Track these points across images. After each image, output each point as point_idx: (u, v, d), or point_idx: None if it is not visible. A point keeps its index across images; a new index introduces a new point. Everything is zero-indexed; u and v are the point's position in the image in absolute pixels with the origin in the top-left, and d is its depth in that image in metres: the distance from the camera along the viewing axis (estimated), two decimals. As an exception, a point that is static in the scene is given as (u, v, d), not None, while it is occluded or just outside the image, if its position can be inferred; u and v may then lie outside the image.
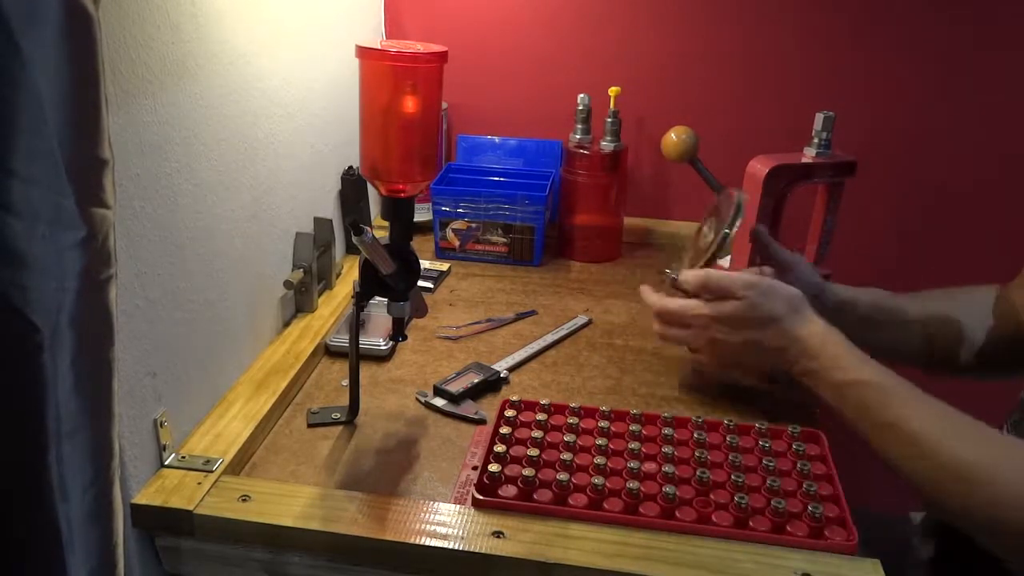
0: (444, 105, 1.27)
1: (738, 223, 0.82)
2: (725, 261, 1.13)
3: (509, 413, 0.78)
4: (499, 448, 0.73)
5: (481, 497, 0.67)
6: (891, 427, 0.66)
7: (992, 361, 0.85)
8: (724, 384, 0.87)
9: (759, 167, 0.98)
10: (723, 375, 0.86)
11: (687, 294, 0.81)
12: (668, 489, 0.68)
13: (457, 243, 1.17)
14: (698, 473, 0.70)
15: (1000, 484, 0.60)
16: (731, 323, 0.76)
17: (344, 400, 0.82)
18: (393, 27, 1.27)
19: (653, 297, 0.83)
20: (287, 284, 0.92)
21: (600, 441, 0.74)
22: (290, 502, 0.67)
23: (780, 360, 0.75)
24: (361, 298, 0.74)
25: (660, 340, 0.83)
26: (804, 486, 0.69)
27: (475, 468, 0.72)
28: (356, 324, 0.77)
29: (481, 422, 0.81)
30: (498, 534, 0.64)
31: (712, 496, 0.67)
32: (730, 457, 0.73)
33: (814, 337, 0.73)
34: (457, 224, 1.16)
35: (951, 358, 0.86)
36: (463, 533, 0.64)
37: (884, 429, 0.67)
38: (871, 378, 0.69)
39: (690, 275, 0.79)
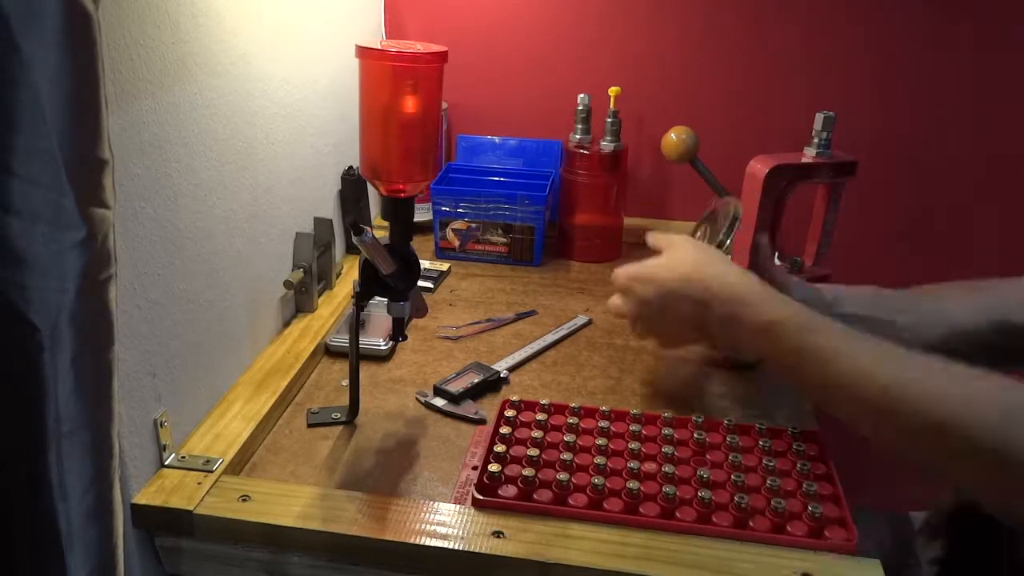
0: (444, 105, 1.27)
1: (733, 235, 0.82)
2: None
3: (509, 413, 0.78)
4: (499, 448, 0.73)
5: (481, 497, 0.67)
6: (806, 354, 0.64)
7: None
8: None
9: (759, 167, 0.98)
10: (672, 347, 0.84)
11: None
12: (668, 489, 0.68)
13: (457, 243, 1.17)
14: (699, 473, 0.70)
15: (929, 395, 0.58)
16: (648, 279, 0.76)
17: (344, 400, 0.82)
18: (393, 27, 1.27)
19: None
20: (287, 284, 0.92)
21: (600, 441, 0.74)
22: (290, 502, 0.67)
23: (701, 315, 0.73)
24: (361, 298, 0.74)
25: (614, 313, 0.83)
26: (804, 486, 0.69)
27: (475, 468, 0.72)
28: (356, 324, 0.77)
29: (481, 422, 0.81)
30: (498, 534, 0.64)
31: (713, 496, 0.67)
32: (730, 457, 0.73)
33: (729, 282, 0.71)
34: (457, 224, 1.16)
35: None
36: (463, 533, 0.64)
37: (800, 356, 0.64)
38: (791, 314, 0.66)
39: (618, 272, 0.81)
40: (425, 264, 1.12)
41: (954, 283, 0.86)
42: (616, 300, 0.82)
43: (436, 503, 0.68)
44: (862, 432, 0.64)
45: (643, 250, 1.23)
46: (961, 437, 0.56)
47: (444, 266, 1.15)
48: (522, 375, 0.90)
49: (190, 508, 0.66)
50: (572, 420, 0.77)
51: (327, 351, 0.93)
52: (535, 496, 0.68)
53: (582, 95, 1.16)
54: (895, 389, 0.59)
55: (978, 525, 0.75)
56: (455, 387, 0.84)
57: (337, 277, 1.07)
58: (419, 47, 0.67)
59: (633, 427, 0.76)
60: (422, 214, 1.17)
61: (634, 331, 0.82)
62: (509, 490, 0.68)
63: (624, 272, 0.79)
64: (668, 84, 1.24)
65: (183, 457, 0.72)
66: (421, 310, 0.84)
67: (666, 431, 0.76)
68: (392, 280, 0.73)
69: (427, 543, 0.64)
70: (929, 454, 0.60)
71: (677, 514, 0.66)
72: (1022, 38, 1.16)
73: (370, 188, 1.12)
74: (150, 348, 0.68)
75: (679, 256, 0.76)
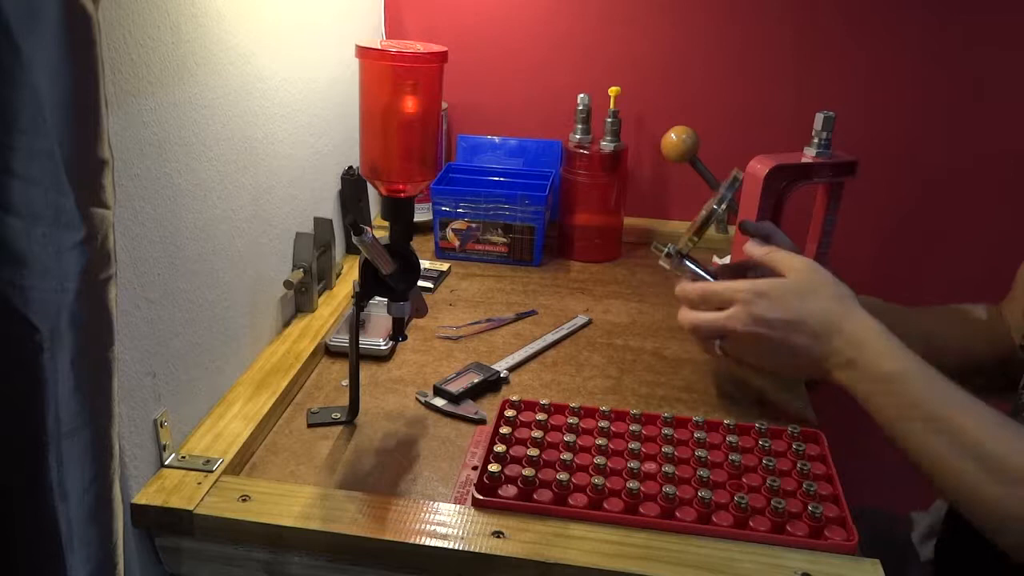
0: (444, 105, 1.27)
1: (728, 197, 0.80)
2: (726, 259, 1.13)
3: (509, 413, 0.78)
4: (499, 448, 0.73)
5: (481, 497, 0.67)
6: (936, 420, 0.63)
7: (992, 380, 0.83)
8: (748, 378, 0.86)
9: (759, 167, 0.98)
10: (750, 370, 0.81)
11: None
12: (668, 489, 0.68)
13: (457, 243, 1.17)
14: (699, 473, 0.70)
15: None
16: (777, 300, 0.71)
17: (344, 400, 0.82)
18: (393, 27, 1.27)
19: (685, 284, 0.80)
20: (287, 284, 0.92)
21: (600, 441, 0.74)
22: (290, 502, 0.67)
23: (817, 349, 0.71)
24: (361, 298, 0.74)
25: (692, 334, 0.79)
26: (804, 486, 0.69)
27: (475, 468, 0.72)
28: (356, 324, 0.77)
29: (481, 422, 0.81)
30: (498, 534, 0.64)
31: (713, 496, 0.67)
32: (730, 457, 0.73)
33: (858, 323, 0.68)
34: (457, 224, 1.16)
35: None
36: (463, 533, 0.64)
37: (927, 422, 0.64)
38: (915, 368, 0.65)
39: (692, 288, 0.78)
40: (425, 264, 1.12)
41: (946, 308, 0.87)
42: (692, 316, 0.78)
43: (436, 503, 0.68)
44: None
45: (643, 250, 1.24)
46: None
47: (444, 266, 1.15)
48: (522, 375, 0.90)
49: (190, 508, 0.66)
50: (572, 420, 0.77)
51: (327, 351, 0.93)
52: (535, 496, 0.68)
53: (582, 95, 1.16)
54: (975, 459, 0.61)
55: (970, 525, 0.76)
56: (455, 387, 0.84)
57: (337, 277, 1.07)
58: (419, 47, 0.67)
59: (633, 427, 0.76)
60: (422, 214, 1.17)
61: (720, 347, 0.78)
62: (509, 490, 0.68)
63: (745, 286, 0.74)
64: (668, 84, 1.24)
65: (183, 457, 0.72)
66: (421, 310, 0.84)
67: (666, 431, 0.76)
68: (392, 280, 0.73)
69: (427, 543, 0.64)
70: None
71: (677, 514, 0.66)
72: (1020, 37, 1.16)
73: (370, 188, 1.12)
74: (150, 348, 0.68)
75: (808, 282, 0.72)
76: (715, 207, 0.81)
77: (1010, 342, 0.84)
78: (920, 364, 0.66)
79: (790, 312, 0.71)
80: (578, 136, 1.17)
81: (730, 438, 0.75)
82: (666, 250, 0.83)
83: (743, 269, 0.81)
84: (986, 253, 1.27)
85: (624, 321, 1.02)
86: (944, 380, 0.66)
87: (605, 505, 0.67)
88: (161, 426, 0.69)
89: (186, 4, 0.69)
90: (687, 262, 0.82)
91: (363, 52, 0.67)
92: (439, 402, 0.83)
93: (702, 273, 0.82)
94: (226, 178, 0.78)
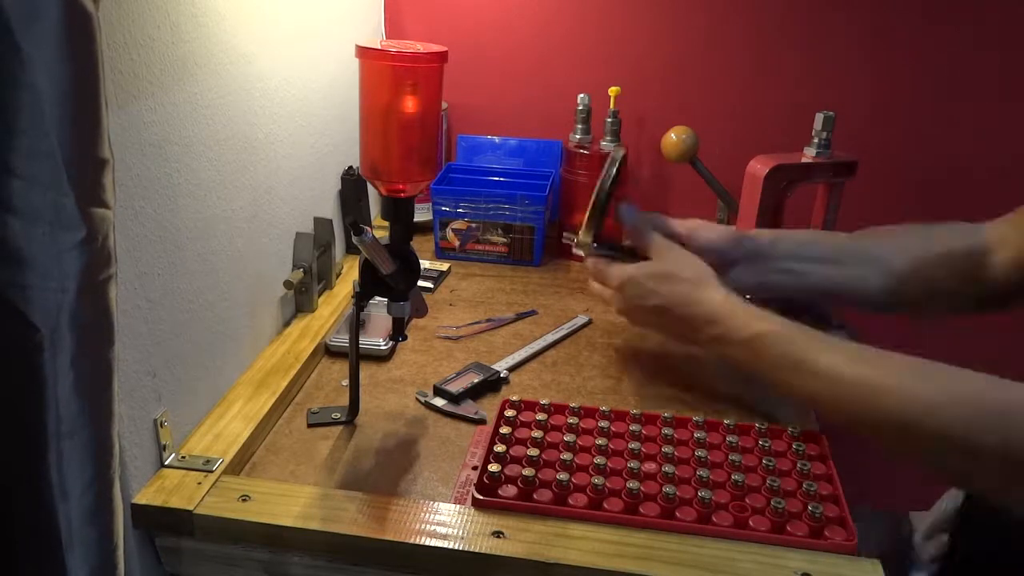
0: (444, 105, 1.27)
1: (612, 175, 0.84)
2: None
3: (509, 413, 0.78)
4: (499, 448, 0.73)
5: (481, 497, 0.67)
6: (801, 364, 0.68)
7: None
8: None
9: (759, 167, 0.98)
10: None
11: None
12: (668, 489, 0.68)
13: (457, 243, 1.17)
14: (699, 473, 0.70)
15: (903, 396, 0.61)
16: (639, 288, 0.80)
17: (344, 400, 0.82)
18: (393, 27, 1.27)
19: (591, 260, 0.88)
20: (287, 284, 0.92)
21: (600, 441, 0.74)
22: (290, 502, 0.67)
23: (684, 328, 0.78)
24: (361, 298, 0.74)
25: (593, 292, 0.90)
26: (804, 486, 0.69)
27: (475, 468, 0.72)
28: (356, 324, 0.77)
29: (481, 422, 0.81)
30: (498, 534, 0.64)
31: (713, 496, 0.67)
32: (730, 457, 0.73)
33: (714, 302, 0.75)
34: (457, 224, 1.16)
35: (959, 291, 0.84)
36: (463, 533, 0.65)
37: (794, 370, 0.68)
38: (772, 327, 0.71)
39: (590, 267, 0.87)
40: (425, 264, 1.12)
41: (899, 227, 0.88)
42: (597, 289, 0.88)
43: (436, 503, 0.68)
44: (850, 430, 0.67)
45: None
46: (928, 437, 0.60)
47: (444, 266, 1.15)
48: (522, 375, 0.90)
49: (190, 508, 0.66)
50: (572, 420, 0.77)
51: (327, 351, 0.93)
52: (535, 496, 0.68)
53: (582, 95, 1.16)
54: (865, 391, 0.63)
55: (984, 521, 0.76)
56: (455, 387, 0.84)
57: (337, 277, 1.07)
58: (419, 47, 0.67)
59: (633, 427, 0.76)
60: (422, 214, 1.17)
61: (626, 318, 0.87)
62: (509, 490, 0.68)
63: (616, 271, 0.83)
64: (668, 84, 1.24)
65: (183, 457, 0.72)
66: (421, 310, 0.84)
67: (666, 431, 0.76)
68: (392, 280, 0.73)
69: (427, 543, 0.64)
70: (904, 451, 0.65)
71: (677, 514, 0.66)
72: (1021, 38, 1.16)
73: (370, 188, 1.12)
74: (150, 348, 0.68)
75: (665, 265, 0.80)
76: (599, 191, 0.84)
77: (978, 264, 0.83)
78: (773, 322, 0.72)
79: (652, 296, 0.79)
80: (578, 136, 1.17)
81: (730, 438, 0.75)
82: (576, 239, 0.87)
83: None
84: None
85: (624, 321, 1.02)
86: (798, 330, 0.70)
87: (605, 505, 0.67)
88: (161, 426, 0.69)
89: (186, 4, 0.69)
90: (596, 247, 0.87)
91: (363, 52, 0.67)
92: (439, 402, 0.83)
93: (612, 254, 0.87)
94: (226, 178, 0.78)
